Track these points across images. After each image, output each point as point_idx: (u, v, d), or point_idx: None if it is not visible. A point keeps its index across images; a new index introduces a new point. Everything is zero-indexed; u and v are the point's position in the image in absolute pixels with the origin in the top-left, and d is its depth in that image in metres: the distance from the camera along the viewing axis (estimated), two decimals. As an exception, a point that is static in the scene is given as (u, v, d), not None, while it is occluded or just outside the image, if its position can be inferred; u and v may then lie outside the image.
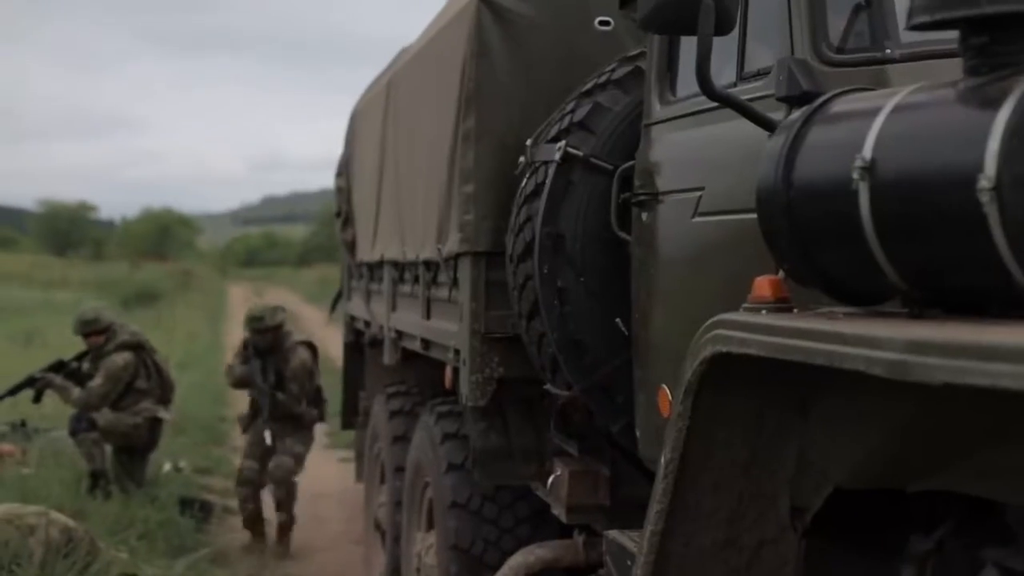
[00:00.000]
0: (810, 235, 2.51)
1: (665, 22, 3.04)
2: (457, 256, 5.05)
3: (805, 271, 2.59)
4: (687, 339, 2.90)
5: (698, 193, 3.59)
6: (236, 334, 27.90)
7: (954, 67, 2.54)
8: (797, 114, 2.61)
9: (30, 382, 9.19)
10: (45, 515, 6.66)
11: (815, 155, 2.50)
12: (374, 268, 7.45)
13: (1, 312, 25.01)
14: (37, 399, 9.33)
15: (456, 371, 5.27)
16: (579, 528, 4.98)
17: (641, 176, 4.06)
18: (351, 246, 8.26)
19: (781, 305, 2.68)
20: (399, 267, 6.53)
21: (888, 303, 2.59)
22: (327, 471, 11.64)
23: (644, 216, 3.98)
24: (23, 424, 10.76)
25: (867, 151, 2.32)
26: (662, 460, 3.03)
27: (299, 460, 9.32)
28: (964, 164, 2.11)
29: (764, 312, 2.66)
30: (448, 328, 5.33)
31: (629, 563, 3.76)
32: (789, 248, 2.57)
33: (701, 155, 3.66)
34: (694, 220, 3.61)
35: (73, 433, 9.09)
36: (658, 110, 3.99)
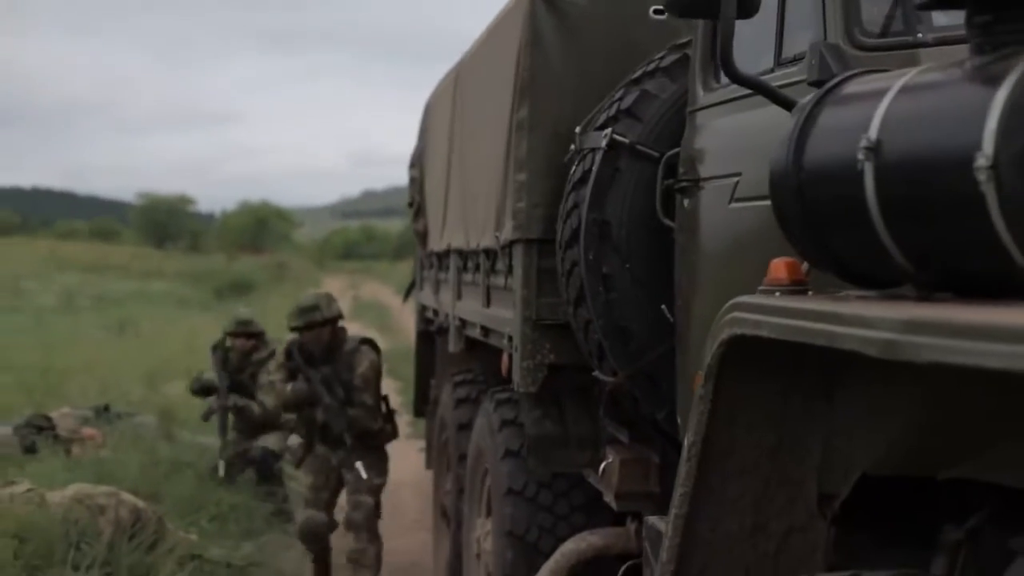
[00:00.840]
0: (820, 217, 2.51)
1: (689, 5, 3.05)
2: (511, 243, 5.09)
3: (817, 254, 2.58)
4: None
5: (735, 179, 3.59)
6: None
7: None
8: (809, 97, 2.60)
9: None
10: (115, 495, 6.83)
11: (825, 137, 2.49)
12: (442, 257, 7.51)
13: (98, 302, 25.57)
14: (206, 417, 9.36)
15: (511, 358, 5.30)
16: (631, 515, 4.99)
17: (685, 163, 4.06)
18: (423, 236, 8.33)
19: (796, 288, 2.67)
20: (463, 256, 6.58)
21: (905, 287, 2.58)
22: (406, 460, 11.73)
23: (686, 203, 3.98)
24: (107, 409, 11.00)
25: (873, 132, 2.31)
26: (686, 443, 3.04)
27: (377, 494, 7.58)
28: (964, 143, 2.09)
29: (778, 294, 2.66)
30: (504, 315, 5.37)
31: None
32: (801, 231, 2.56)
33: (739, 141, 3.66)
34: (731, 206, 3.61)
35: (266, 476, 9.06)
36: (702, 97, 3.99)
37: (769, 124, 3.42)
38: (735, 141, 3.71)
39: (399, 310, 32.96)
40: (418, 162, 8.66)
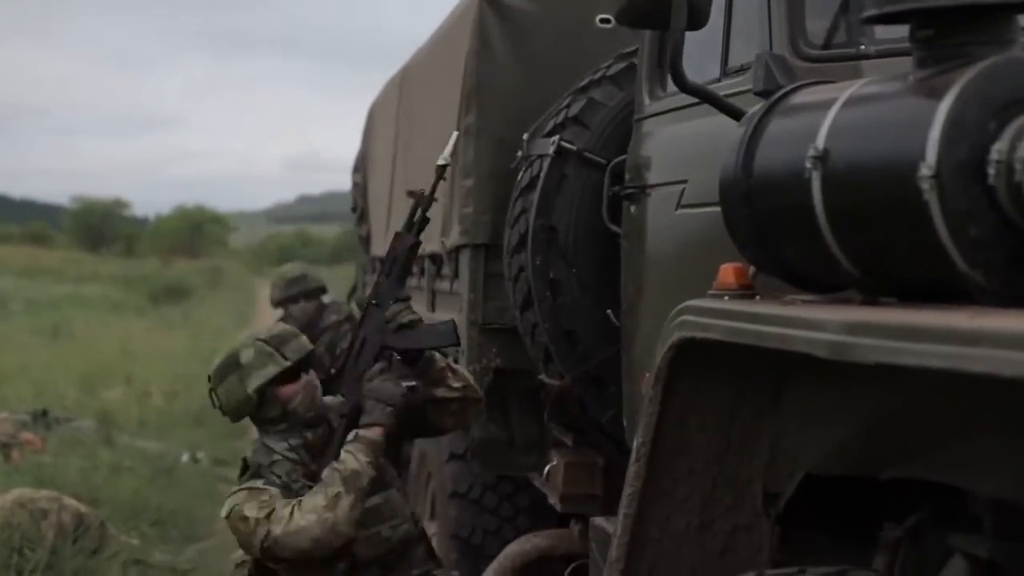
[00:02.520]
0: (768, 224, 2.58)
1: (639, 16, 3.12)
2: (458, 248, 5.14)
3: (765, 259, 2.66)
4: None
5: (681, 186, 3.67)
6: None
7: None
8: (758, 107, 2.68)
9: None
10: (58, 500, 6.81)
11: (773, 146, 2.57)
12: (387, 263, 7.52)
13: (30, 305, 25.25)
14: None
15: (455, 361, 5.35)
16: (575, 517, 5.05)
17: (631, 170, 4.13)
18: (366, 241, 8.35)
19: (744, 292, 2.75)
20: (409, 260, 6.59)
21: (849, 291, 2.66)
22: (345, 465, 11.71)
23: (632, 209, 4.05)
24: (44, 413, 10.90)
25: (820, 141, 2.39)
26: (635, 444, 3.11)
27: None
28: (908, 153, 2.18)
29: (726, 298, 2.73)
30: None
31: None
32: (749, 237, 2.64)
33: (685, 149, 3.73)
34: (677, 212, 3.68)
35: None
36: (648, 105, 4.06)
37: (714, 132, 3.50)
38: (680, 149, 3.78)
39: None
40: (361, 167, 8.68)
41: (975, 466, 2.69)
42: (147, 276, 36.43)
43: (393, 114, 7.16)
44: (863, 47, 3.17)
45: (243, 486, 3.67)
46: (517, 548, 5.13)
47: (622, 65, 4.48)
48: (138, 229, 61.22)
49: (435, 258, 5.79)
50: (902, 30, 2.86)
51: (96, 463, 9.07)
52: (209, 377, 3.79)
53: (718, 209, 3.33)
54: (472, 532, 5.51)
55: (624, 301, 4.16)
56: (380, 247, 7.64)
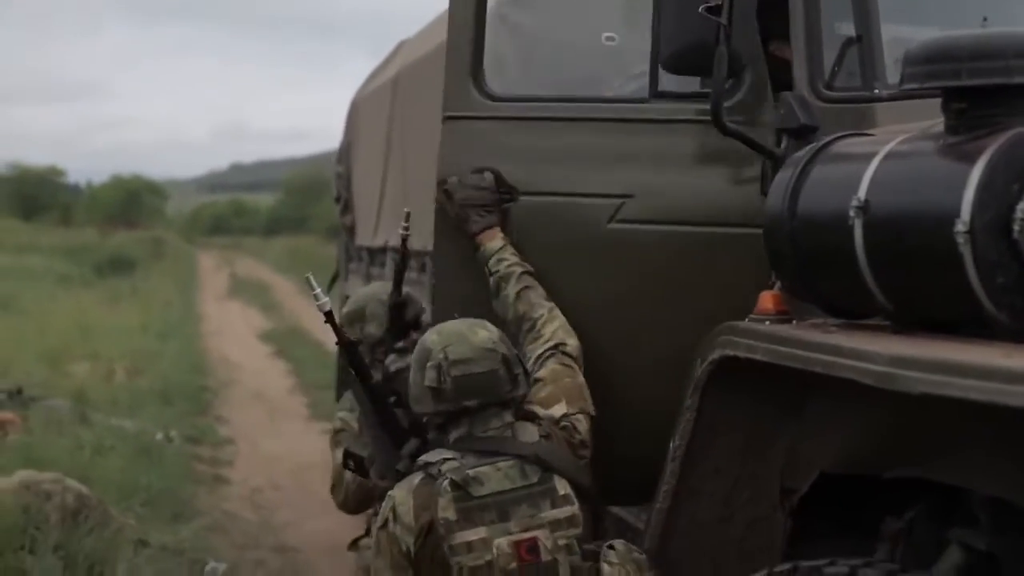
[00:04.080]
0: (810, 259, 2.95)
1: (684, 65, 3.46)
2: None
3: (804, 289, 3.03)
4: None
5: (617, 200, 4.01)
6: (209, 303, 28.20)
7: (931, 106, 2.99)
8: (803, 152, 3.05)
9: None
10: (60, 482, 7.03)
11: (817, 191, 2.94)
12: (375, 253, 7.82)
13: (-30, 278, 25.02)
14: None
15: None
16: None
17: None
18: (351, 230, 8.64)
19: (782, 317, 3.12)
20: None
21: (875, 318, 3.03)
22: (311, 442, 11.97)
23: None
24: (20, 392, 11.06)
25: (862, 192, 2.76)
26: (671, 446, 3.48)
27: None
28: (944, 210, 2.56)
29: (768, 323, 3.10)
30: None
31: (630, 536, 4.19)
32: (791, 269, 3.01)
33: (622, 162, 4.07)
34: (611, 226, 4.00)
35: None
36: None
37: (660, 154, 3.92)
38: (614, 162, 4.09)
39: (280, 289, 32.98)
40: (344, 158, 8.96)
41: (976, 468, 3.08)
42: (88, 247, 36.25)
43: (386, 111, 7.43)
44: (877, 90, 3.54)
45: None
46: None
47: (633, 85, 4.79)
48: (73, 198, 60.67)
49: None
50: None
51: (79, 442, 9.27)
52: None
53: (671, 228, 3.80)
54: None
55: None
56: (367, 238, 7.95)
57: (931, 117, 3.13)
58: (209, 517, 8.59)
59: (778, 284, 3.37)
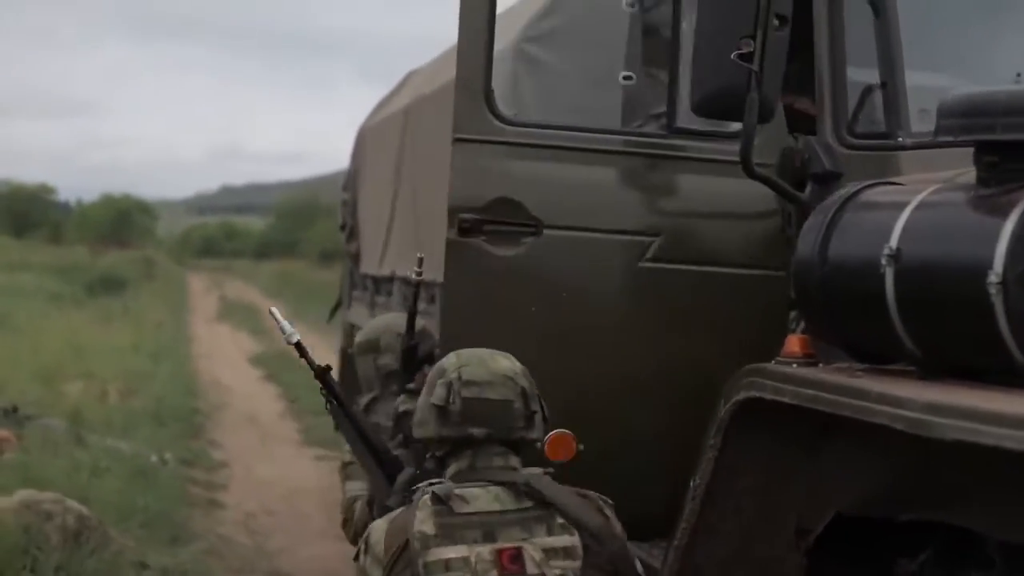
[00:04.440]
0: (839, 304, 3.00)
1: (715, 109, 3.52)
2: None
3: (831, 333, 3.08)
4: None
5: (648, 239, 4.06)
6: (199, 326, 28.17)
7: (953, 155, 3.07)
8: (834, 199, 3.10)
9: None
10: (61, 502, 7.06)
11: (848, 238, 3.00)
12: (380, 282, 7.86)
13: (-36, 295, 25.03)
14: None
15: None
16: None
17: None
18: (355, 257, 8.68)
19: (808, 361, 3.17)
20: (412, 285, 6.93)
21: (900, 364, 3.08)
22: (303, 467, 11.98)
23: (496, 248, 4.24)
24: (15, 410, 11.04)
25: (894, 241, 2.82)
26: (692, 484, 3.52)
27: None
28: (976, 260, 2.62)
29: (795, 366, 3.15)
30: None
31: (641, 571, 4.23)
32: (820, 313, 3.06)
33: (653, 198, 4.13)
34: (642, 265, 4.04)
35: None
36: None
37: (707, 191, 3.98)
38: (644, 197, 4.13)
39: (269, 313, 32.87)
40: (351, 186, 9.01)
41: (994, 514, 3.13)
42: (79, 266, 36.24)
43: (396, 141, 7.48)
44: (900, 138, 3.60)
45: None
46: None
47: (653, 125, 4.86)
48: (63, 215, 60.68)
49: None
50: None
51: (76, 463, 9.27)
52: None
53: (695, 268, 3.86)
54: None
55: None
56: (373, 267, 8.00)
57: (954, 166, 3.21)
58: (205, 541, 8.60)
59: (801, 327, 3.43)
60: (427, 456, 3.49)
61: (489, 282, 3.97)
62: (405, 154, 7.25)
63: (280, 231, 63.01)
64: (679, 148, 4.02)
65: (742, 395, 3.23)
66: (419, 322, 4.83)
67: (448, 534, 3.08)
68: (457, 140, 4.06)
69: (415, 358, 4.54)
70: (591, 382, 3.92)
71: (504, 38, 5.25)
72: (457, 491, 3.15)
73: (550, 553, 3.11)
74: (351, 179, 9.05)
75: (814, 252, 3.03)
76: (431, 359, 4.51)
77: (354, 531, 4.71)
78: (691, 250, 3.96)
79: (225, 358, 21.35)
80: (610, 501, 3.35)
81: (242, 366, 20.41)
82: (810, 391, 2.94)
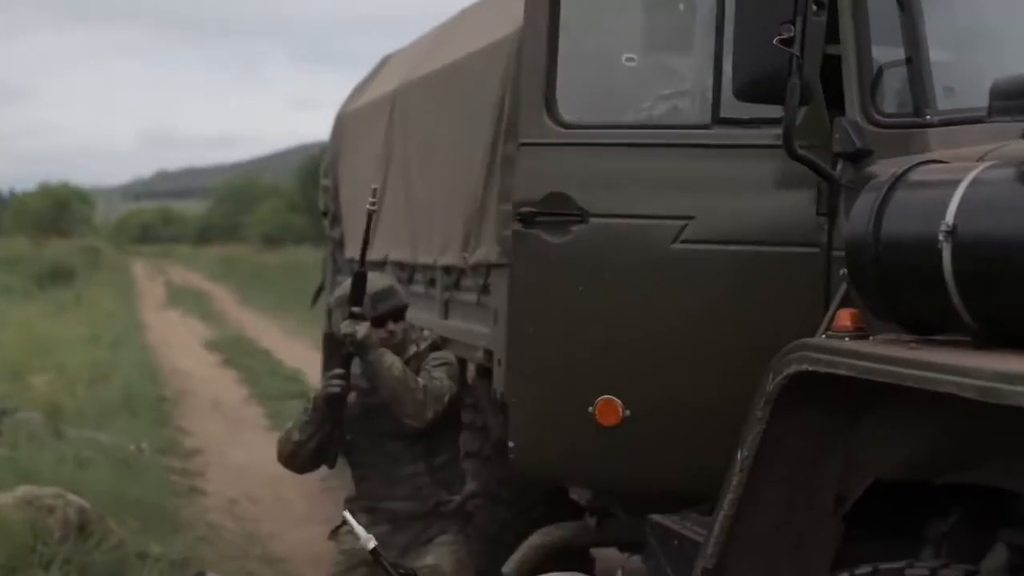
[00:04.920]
0: (893, 280, 3.12)
1: (758, 94, 3.62)
2: (490, 266, 5.55)
3: (885, 308, 3.19)
4: None
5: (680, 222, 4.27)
6: (149, 313, 28.04)
7: (978, 131, 3.19)
8: (885, 178, 3.21)
9: None
10: (62, 496, 7.07)
11: (901, 216, 3.10)
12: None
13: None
14: None
15: (481, 368, 5.79)
16: (591, 510, 5.52)
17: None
18: (339, 243, 8.70)
19: (859, 334, 3.28)
20: (407, 268, 7.00)
21: (948, 333, 3.20)
22: (274, 453, 11.92)
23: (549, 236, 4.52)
24: (-6, 405, 10.97)
25: (949, 217, 2.93)
26: (738, 456, 3.62)
27: None
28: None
29: (847, 339, 3.26)
30: (474, 329, 5.83)
31: (676, 542, 4.33)
32: (874, 288, 3.17)
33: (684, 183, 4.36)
34: (675, 247, 4.29)
35: None
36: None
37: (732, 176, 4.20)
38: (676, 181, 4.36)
39: (218, 297, 32.79)
40: (331, 172, 9.02)
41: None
42: (24, 257, 35.86)
43: (382, 127, 7.51)
44: (928, 116, 3.72)
45: None
46: (539, 540, 5.56)
47: (663, 106, 4.94)
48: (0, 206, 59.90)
49: (450, 270, 6.20)
50: (960, 102, 3.47)
51: (60, 456, 9.26)
52: None
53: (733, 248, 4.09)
54: (488, 525, 5.94)
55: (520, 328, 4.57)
56: (357, 250, 8.01)
57: (979, 142, 3.34)
58: (195, 529, 8.63)
59: (834, 306, 3.57)
60: None
61: (545, 266, 4.44)
62: (394, 138, 7.28)
63: (219, 215, 62.57)
64: (719, 137, 4.23)
65: (792, 368, 3.33)
66: (388, 280, 5.41)
67: None
68: (522, 144, 4.58)
69: (364, 285, 5.03)
70: (634, 352, 4.29)
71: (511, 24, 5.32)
72: None
73: None
74: (331, 165, 9.06)
75: (868, 230, 3.14)
76: (397, 315, 5.16)
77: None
78: (723, 231, 4.14)
79: (181, 344, 21.30)
80: None
81: (198, 352, 20.37)
82: (866, 363, 3.04)
